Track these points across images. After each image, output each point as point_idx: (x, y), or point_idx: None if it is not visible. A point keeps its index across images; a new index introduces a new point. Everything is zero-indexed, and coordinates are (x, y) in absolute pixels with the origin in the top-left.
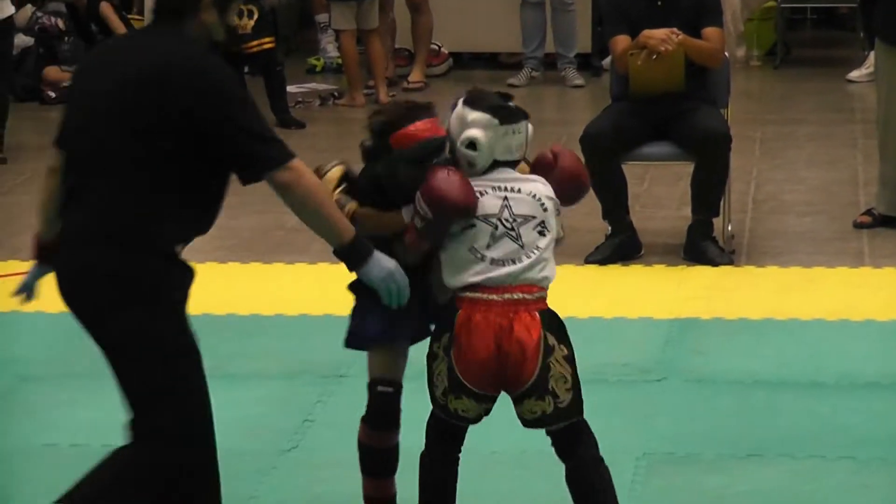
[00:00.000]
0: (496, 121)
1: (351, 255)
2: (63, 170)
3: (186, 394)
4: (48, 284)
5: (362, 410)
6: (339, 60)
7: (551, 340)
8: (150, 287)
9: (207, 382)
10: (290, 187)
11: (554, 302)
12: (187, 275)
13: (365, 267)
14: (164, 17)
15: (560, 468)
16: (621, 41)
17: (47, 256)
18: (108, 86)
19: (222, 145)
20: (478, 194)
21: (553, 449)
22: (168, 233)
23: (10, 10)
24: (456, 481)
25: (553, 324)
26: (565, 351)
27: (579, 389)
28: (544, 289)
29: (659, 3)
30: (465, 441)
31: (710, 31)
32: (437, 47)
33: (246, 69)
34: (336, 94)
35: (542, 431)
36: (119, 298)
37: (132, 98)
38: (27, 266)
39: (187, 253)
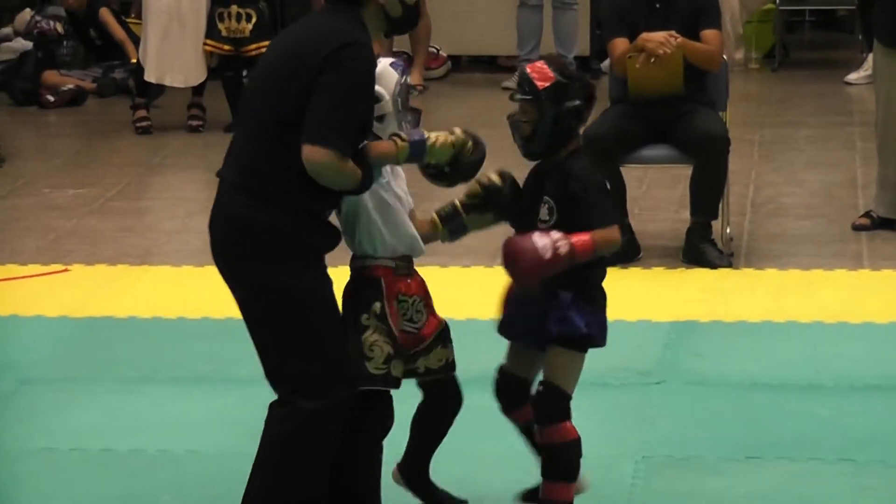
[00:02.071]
0: None
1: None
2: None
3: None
4: (48, 290)
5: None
6: None
7: None
8: (296, 241)
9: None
10: (312, 165)
11: None
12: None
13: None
14: (338, 1)
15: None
16: (620, 44)
17: None
18: (270, 57)
19: (312, 101)
20: None
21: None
22: (286, 185)
23: None
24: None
25: None
26: None
27: None
28: None
29: (658, 5)
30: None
31: (708, 34)
32: (435, 50)
33: (245, 73)
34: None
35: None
36: (268, 249)
37: (286, 70)
38: (27, 270)
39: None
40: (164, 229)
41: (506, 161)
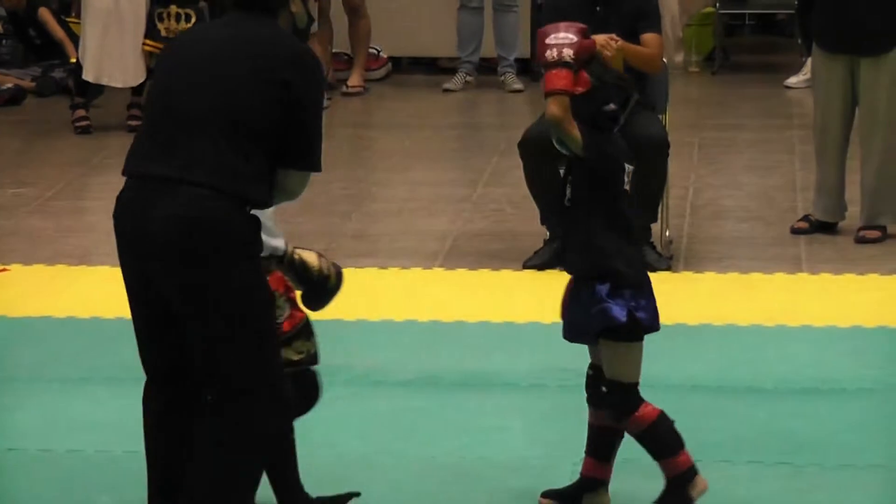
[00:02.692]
0: None
1: None
2: (152, 123)
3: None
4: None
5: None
6: None
7: None
8: (252, 240)
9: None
10: (292, 194)
11: (491, 308)
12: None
13: None
14: (254, 9)
15: (495, 478)
16: None
17: None
18: (205, 59)
19: (293, 123)
20: None
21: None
22: (264, 192)
23: None
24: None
25: None
26: None
27: None
28: None
29: (598, 7)
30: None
31: (648, 37)
32: (376, 51)
33: None
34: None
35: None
36: (228, 249)
37: (247, 71)
38: None
39: None
40: (104, 229)
41: (442, 164)
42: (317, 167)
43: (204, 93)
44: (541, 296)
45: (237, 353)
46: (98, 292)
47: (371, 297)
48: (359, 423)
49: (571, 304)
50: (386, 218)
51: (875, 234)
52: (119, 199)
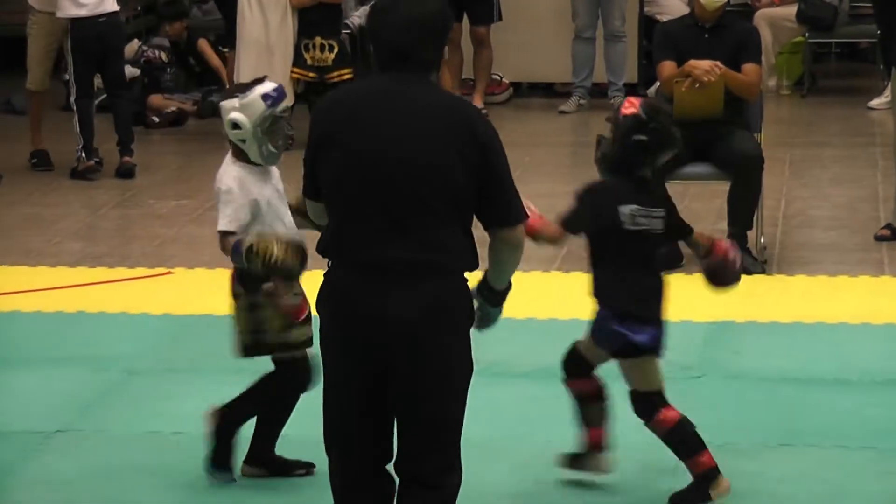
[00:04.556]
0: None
1: (504, 294)
2: (355, 204)
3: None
4: (153, 291)
5: None
6: None
7: None
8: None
9: None
10: (519, 244)
11: None
12: None
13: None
14: (413, 68)
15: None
16: (668, 67)
17: None
18: (406, 132)
19: (490, 186)
20: None
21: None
22: (476, 260)
23: (114, 6)
24: None
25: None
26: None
27: None
28: None
29: (706, 36)
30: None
31: (748, 67)
32: (498, 77)
33: None
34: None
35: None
36: (464, 327)
37: (446, 141)
38: (134, 272)
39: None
40: None
41: (557, 178)
42: (524, 216)
43: (413, 168)
44: None
45: (454, 433)
46: None
47: None
48: (483, 411)
49: (594, 325)
50: None
51: None
52: (338, 286)
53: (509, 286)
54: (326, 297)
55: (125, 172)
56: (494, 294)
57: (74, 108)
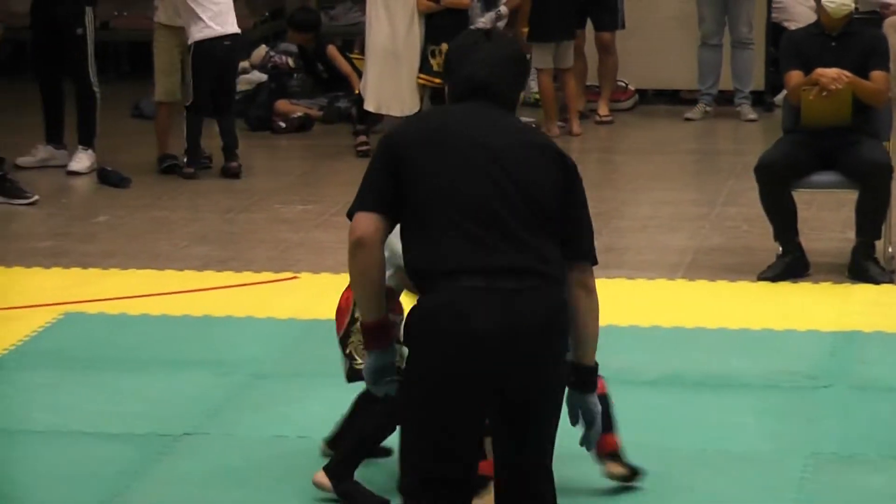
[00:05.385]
0: None
1: (593, 375)
2: (458, 223)
3: None
4: (278, 295)
5: None
6: (537, 95)
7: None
8: None
9: None
10: (594, 290)
11: (729, 315)
12: None
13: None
14: (494, 99)
15: (732, 468)
16: (795, 76)
17: None
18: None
19: (572, 212)
20: None
21: None
22: None
23: (234, 27)
24: None
25: None
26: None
27: None
28: None
29: (833, 44)
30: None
31: (876, 74)
32: (624, 84)
33: None
34: (534, 125)
35: None
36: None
37: (536, 156)
38: (260, 276)
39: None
40: None
41: (681, 186)
42: (594, 259)
43: (518, 181)
44: (774, 305)
45: (553, 441)
46: None
47: (620, 304)
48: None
49: None
50: (632, 233)
51: None
52: (449, 303)
53: (597, 366)
54: (432, 321)
55: (232, 175)
56: (589, 373)
57: (185, 119)
